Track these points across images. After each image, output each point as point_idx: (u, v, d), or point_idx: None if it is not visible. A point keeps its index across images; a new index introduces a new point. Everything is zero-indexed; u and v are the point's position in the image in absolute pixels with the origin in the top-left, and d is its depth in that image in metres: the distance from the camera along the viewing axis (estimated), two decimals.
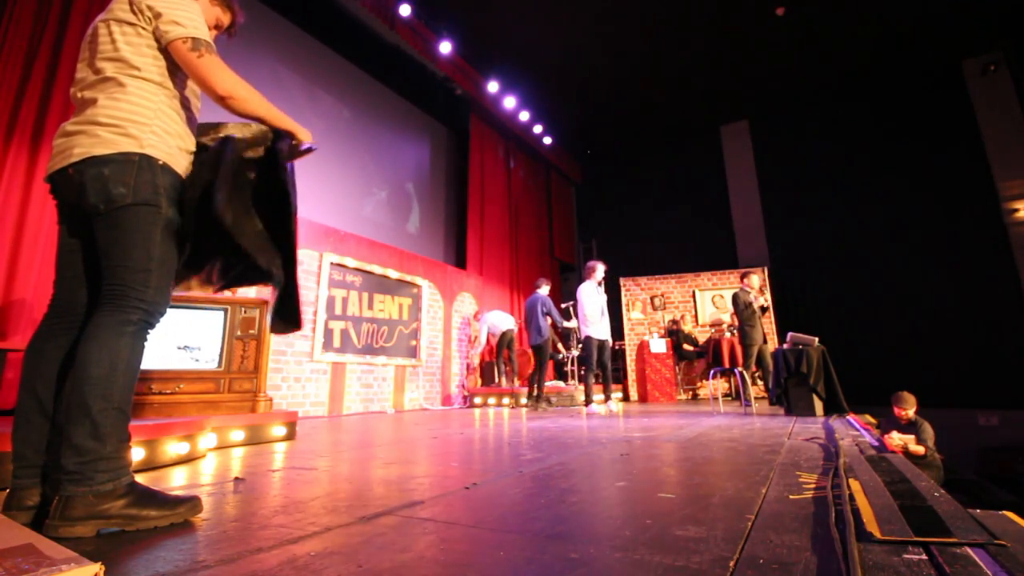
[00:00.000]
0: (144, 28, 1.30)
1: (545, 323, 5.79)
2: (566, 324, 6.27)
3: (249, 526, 1.18)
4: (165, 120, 1.32)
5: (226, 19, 1.59)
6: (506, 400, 6.58)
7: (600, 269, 5.57)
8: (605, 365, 5.44)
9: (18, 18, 3.58)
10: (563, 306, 7.05)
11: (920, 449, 4.11)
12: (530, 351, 8.10)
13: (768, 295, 8.34)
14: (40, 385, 1.26)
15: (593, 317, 5.37)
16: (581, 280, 5.63)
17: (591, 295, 5.43)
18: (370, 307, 6.10)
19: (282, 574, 0.87)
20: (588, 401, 5.33)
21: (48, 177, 1.31)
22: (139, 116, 1.27)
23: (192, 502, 1.24)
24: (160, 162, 1.29)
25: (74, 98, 1.33)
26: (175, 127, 1.35)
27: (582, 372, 6.52)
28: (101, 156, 1.22)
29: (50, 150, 3.70)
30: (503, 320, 7.22)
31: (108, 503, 1.13)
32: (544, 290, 6.00)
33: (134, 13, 1.29)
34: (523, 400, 6.40)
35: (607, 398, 5.41)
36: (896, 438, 4.12)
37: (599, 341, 5.37)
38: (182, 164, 1.36)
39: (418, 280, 6.85)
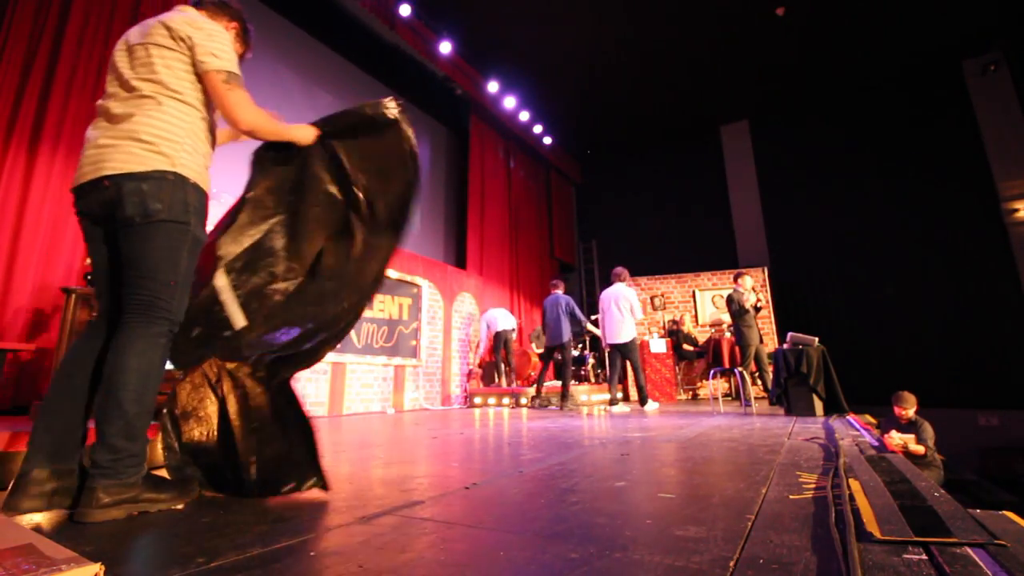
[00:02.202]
0: (183, 55, 1.41)
1: (567, 322, 5.76)
2: (589, 327, 6.29)
3: (248, 526, 1.18)
4: (195, 140, 1.43)
5: (239, 51, 1.70)
6: (506, 400, 6.57)
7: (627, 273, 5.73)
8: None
9: (18, 18, 3.58)
10: (594, 317, 7.10)
11: (920, 449, 4.11)
12: (532, 351, 8.14)
13: (765, 294, 8.34)
14: (78, 378, 1.37)
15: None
16: (608, 284, 5.75)
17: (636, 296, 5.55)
18: (370, 307, 6.07)
19: (282, 574, 0.87)
20: (644, 400, 5.41)
21: (78, 187, 1.38)
22: (172, 135, 1.37)
23: (190, 484, 1.42)
24: (191, 181, 1.39)
25: (103, 110, 1.40)
26: (203, 147, 1.46)
27: (603, 373, 6.58)
28: (138, 172, 1.31)
29: (50, 150, 3.69)
30: (502, 319, 7.23)
31: (134, 492, 1.28)
32: (561, 290, 6.02)
33: (173, 40, 1.40)
34: (523, 400, 6.40)
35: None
36: (896, 438, 4.12)
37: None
38: (207, 182, 1.48)
39: (418, 280, 6.85)
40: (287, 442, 1.48)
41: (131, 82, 1.38)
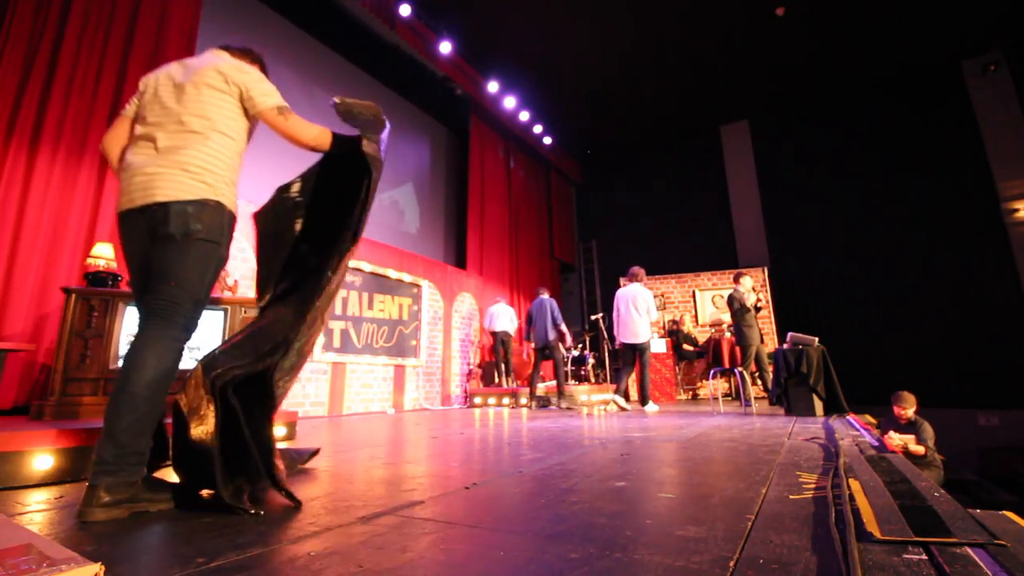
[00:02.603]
0: (232, 97, 1.61)
1: (551, 324, 5.97)
2: (564, 330, 6.36)
3: (249, 526, 1.18)
4: (231, 172, 1.61)
5: None
6: (506, 400, 6.58)
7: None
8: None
9: (18, 19, 3.58)
10: (593, 317, 7.14)
11: (920, 449, 4.10)
12: (532, 351, 8.14)
13: (765, 294, 8.34)
14: None
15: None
16: (628, 283, 5.80)
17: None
18: (370, 307, 6.10)
19: (282, 574, 0.87)
20: (646, 400, 5.45)
21: (127, 211, 1.52)
22: (216, 168, 1.55)
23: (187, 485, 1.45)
24: (228, 208, 1.58)
25: (148, 137, 1.56)
26: (235, 178, 1.64)
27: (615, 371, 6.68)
28: (185, 199, 1.48)
29: (50, 150, 3.68)
30: (502, 318, 7.24)
31: (134, 491, 1.32)
32: (546, 295, 6.23)
33: (227, 84, 1.60)
34: (522, 400, 6.41)
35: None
36: (896, 438, 4.11)
37: None
38: (237, 209, 1.65)
39: (418, 280, 6.85)
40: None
41: (181, 117, 1.55)
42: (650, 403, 5.41)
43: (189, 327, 1.50)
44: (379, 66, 7.35)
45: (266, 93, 1.65)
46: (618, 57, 8.09)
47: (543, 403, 6.24)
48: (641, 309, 5.50)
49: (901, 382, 5.16)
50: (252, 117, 1.66)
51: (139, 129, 1.57)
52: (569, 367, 8.03)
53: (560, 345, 6.03)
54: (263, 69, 1.85)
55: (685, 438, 2.76)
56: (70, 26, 3.79)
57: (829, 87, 8.96)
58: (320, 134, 1.70)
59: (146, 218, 1.49)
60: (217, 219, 1.53)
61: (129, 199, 1.51)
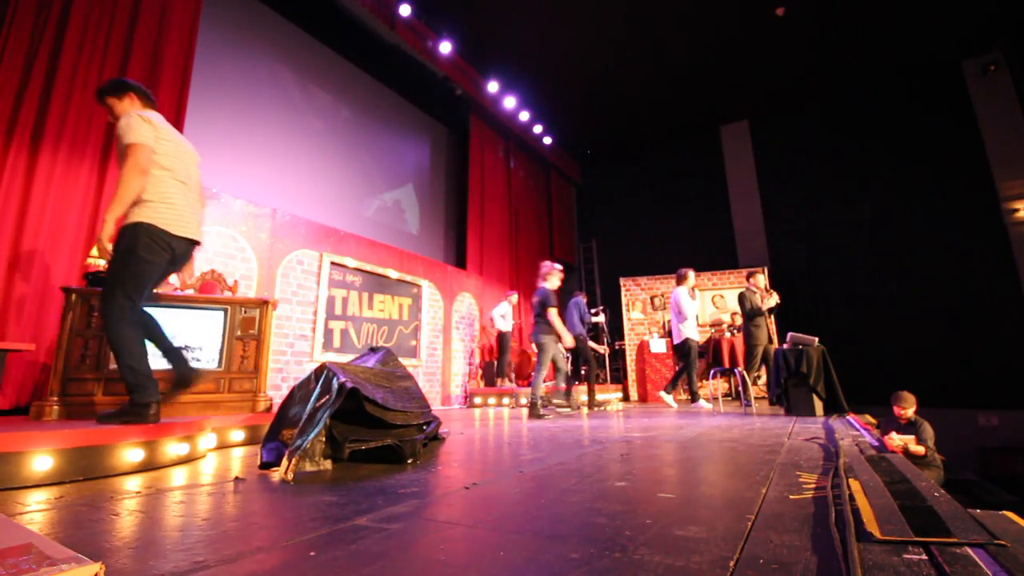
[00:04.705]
0: None
1: (574, 320, 5.97)
2: (594, 319, 6.48)
3: (249, 526, 1.18)
4: None
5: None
6: (506, 400, 6.57)
7: (692, 276, 5.97)
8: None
9: (19, 17, 3.58)
10: (593, 314, 7.19)
11: (920, 449, 4.10)
12: (532, 351, 8.13)
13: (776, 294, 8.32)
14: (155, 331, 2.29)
15: (691, 320, 5.77)
16: (678, 284, 6.04)
17: (688, 299, 5.83)
18: (370, 307, 6.10)
19: (282, 574, 0.87)
20: (695, 398, 5.70)
21: (183, 237, 2.18)
22: None
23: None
24: None
25: (186, 181, 2.23)
26: None
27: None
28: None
29: (51, 149, 3.69)
30: (502, 317, 7.25)
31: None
32: (576, 296, 6.29)
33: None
34: (522, 400, 6.40)
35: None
36: (896, 439, 4.11)
37: (695, 341, 5.79)
38: None
39: (418, 280, 6.84)
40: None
41: (195, 183, 2.29)
42: (701, 400, 5.72)
43: None
44: (379, 66, 7.35)
45: None
46: (618, 57, 8.09)
47: (545, 403, 6.22)
48: (673, 312, 5.88)
49: (901, 382, 5.15)
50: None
51: (176, 175, 2.16)
52: (569, 367, 8.00)
53: (586, 345, 5.91)
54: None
55: (685, 438, 2.76)
56: (71, 26, 3.79)
57: (829, 87, 8.95)
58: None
59: (185, 247, 2.18)
60: None
61: (189, 230, 2.18)
